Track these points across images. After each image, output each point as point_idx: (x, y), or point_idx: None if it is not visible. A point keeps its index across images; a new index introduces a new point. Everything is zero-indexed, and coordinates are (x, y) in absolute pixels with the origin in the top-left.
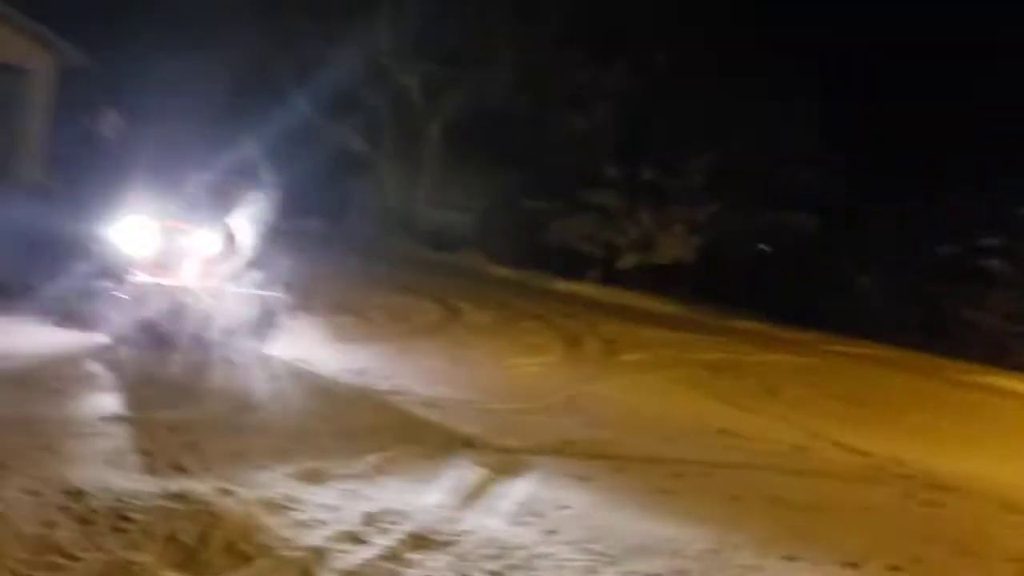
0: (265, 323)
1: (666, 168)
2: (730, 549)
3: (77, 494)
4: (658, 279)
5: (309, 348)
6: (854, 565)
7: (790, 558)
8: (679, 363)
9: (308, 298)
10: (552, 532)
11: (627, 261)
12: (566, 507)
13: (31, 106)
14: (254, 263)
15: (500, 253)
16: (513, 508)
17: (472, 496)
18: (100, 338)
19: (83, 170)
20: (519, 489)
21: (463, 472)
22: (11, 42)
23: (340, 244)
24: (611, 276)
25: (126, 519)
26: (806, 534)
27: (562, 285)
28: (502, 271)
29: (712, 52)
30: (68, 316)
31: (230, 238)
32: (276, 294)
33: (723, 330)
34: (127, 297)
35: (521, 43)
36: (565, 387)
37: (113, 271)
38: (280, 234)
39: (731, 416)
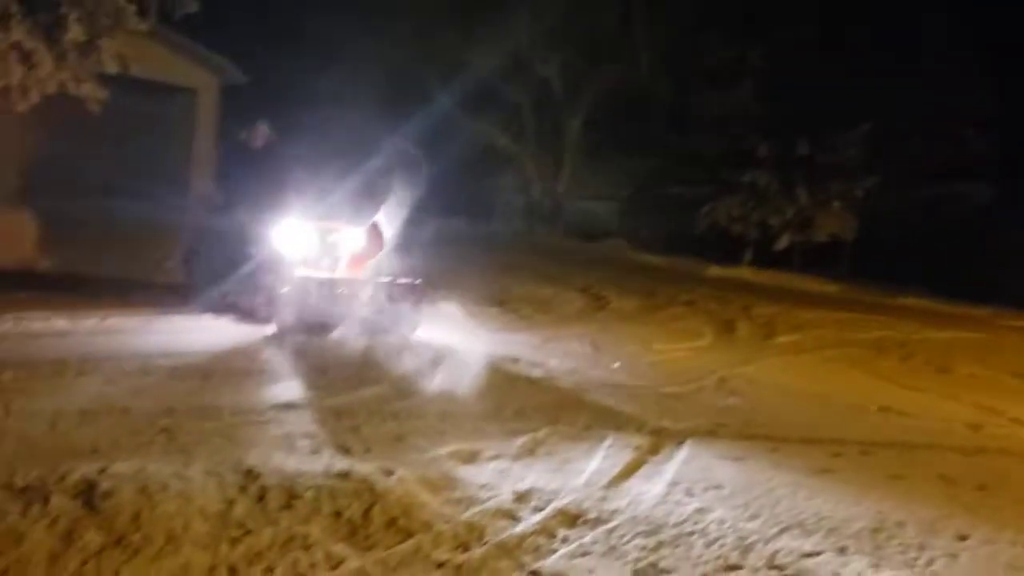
0: (414, 312)
1: (821, 143)
2: (893, 527)
3: (252, 475)
4: (816, 259)
5: (458, 337)
6: None
7: (960, 537)
8: (839, 343)
9: (454, 290)
10: (705, 511)
11: (783, 241)
12: (719, 486)
13: (200, 123)
14: (402, 256)
15: (646, 240)
16: (665, 488)
17: (623, 476)
18: (268, 330)
19: (241, 179)
20: (671, 469)
21: (614, 452)
22: (182, 66)
23: (485, 238)
24: (766, 258)
25: (296, 496)
26: (978, 512)
27: (713, 270)
28: (649, 258)
29: (862, 19)
30: (239, 311)
31: (379, 234)
32: (422, 284)
33: (886, 308)
34: (290, 291)
35: (660, 26)
36: (717, 369)
37: (276, 268)
38: (427, 230)
39: (895, 395)
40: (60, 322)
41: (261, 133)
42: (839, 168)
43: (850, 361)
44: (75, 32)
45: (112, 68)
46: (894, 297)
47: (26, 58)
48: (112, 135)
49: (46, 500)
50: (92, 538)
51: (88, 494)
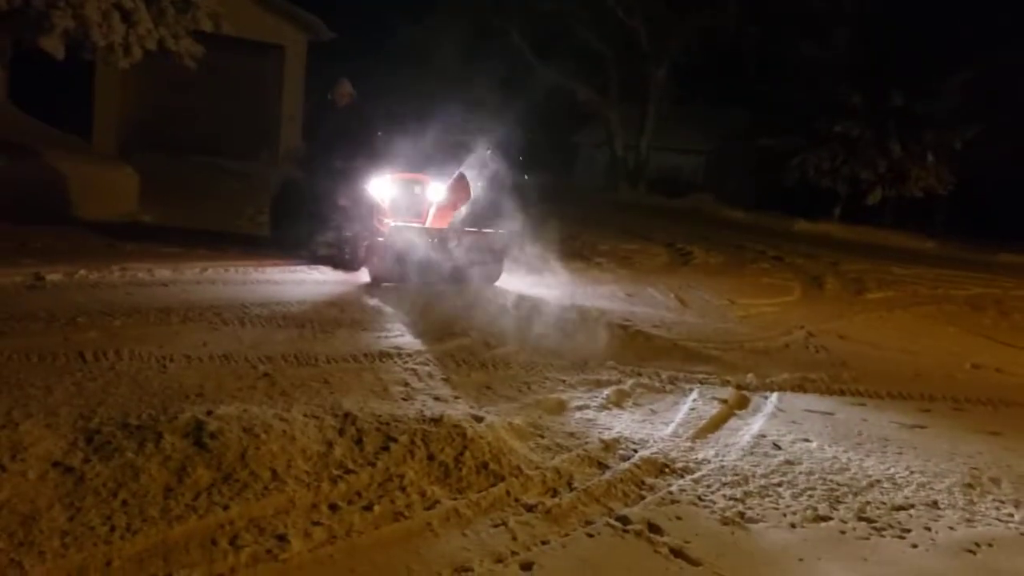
0: (499, 263)
1: (917, 91)
2: (987, 483)
3: (350, 418)
4: (909, 214)
5: (542, 289)
6: None
7: None
8: (932, 300)
9: (538, 244)
10: (792, 463)
11: (874, 196)
12: (807, 439)
13: (289, 80)
14: (486, 208)
15: (733, 195)
16: (752, 440)
17: (710, 428)
18: (360, 280)
19: (328, 136)
20: (758, 422)
21: (700, 405)
22: (271, 23)
23: (570, 193)
24: (856, 213)
25: (392, 440)
26: None
27: (801, 225)
28: (736, 213)
29: None
30: (331, 262)
31: (466, 185)
32: (507, 235)
33: (985, 265)
34: (382, 242)
35: None
36: (805, 325)
37: (367, 220)
38: (511, 184)
39: (991, 351)
40: (163, 272)
41: (344, 91)
42: (935, 118)
43: (944, 318)
44: None
45: (207, 26)
46: (993, 253)
47: (127, 17)
48: (205, 93)
49: (159, 438)
50: (202, 474)
51: (197, 433)
